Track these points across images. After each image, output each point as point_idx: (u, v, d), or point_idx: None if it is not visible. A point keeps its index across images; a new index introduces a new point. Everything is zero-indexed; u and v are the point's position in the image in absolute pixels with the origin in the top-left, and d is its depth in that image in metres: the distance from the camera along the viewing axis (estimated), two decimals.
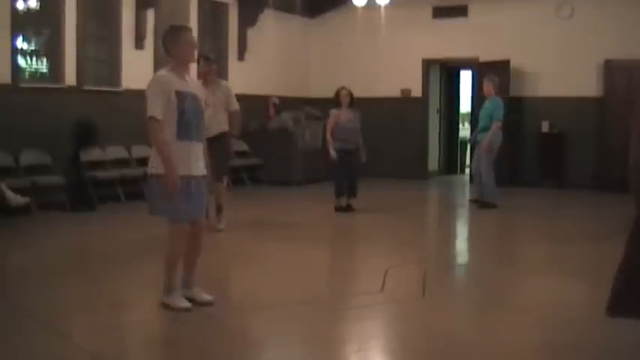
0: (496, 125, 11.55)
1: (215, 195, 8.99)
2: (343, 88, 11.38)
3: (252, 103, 13.87)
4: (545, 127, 14.98)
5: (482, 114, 11.89)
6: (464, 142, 18.42)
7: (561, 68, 14.66)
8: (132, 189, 11.68)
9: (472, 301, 6.41)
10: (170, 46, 5.55)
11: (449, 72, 18.07)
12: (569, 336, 5.15)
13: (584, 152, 14.64)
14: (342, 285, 6.73)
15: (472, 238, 10.27)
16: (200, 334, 5.04)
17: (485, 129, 11.69)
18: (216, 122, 8.94)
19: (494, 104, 11.74)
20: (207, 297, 5.70)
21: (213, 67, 9.33)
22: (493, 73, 13.17)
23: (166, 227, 5.56)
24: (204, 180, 5.68)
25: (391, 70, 16.21)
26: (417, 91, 16.37)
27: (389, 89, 16.30)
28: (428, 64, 16.41)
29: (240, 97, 14.13)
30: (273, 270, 7.48)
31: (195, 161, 5.54)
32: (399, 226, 10.40)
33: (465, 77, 18.33)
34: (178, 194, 5.31)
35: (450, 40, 15.67)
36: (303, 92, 16.73)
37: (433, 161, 17.51)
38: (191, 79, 5.78)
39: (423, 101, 16.48)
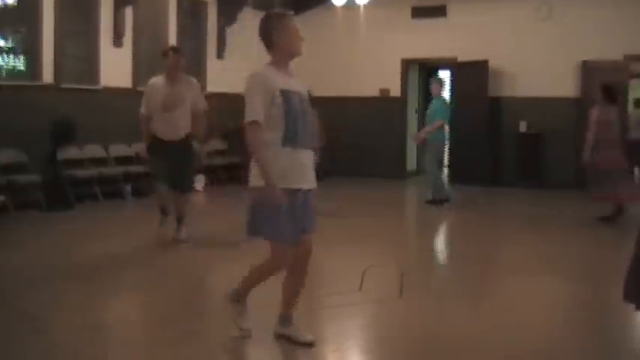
0: (438, 124, 11.86)
1: (178, 205, 8.51)
2: None
3: (231, 102, 13.78)
4: (523, 127, 15.07)
5: (429, 113, 12.27)
6: None
7: (539, 69, 14.74)
8: (110, 188, 11.64)
9: (449, 300, 6.43)
10: (274, 35, 4.70)
11: (428, 72, 18.11)
12: (548, 338, 5.20)
13: (562, 152, 14.73)
14: (320, 285, 6.72)
15: (449, 238, 10.33)
16: (183, 338, 5.03)
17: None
18: (184, 124, 8.27)
19: (439, 104, 12.11)
20: (308, 337, 4.91)
21: (182, 62, 8.42)
22: (474, 72, 13.26)
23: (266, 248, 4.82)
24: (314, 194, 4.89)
25: (370, 69, 16.24)
26: (395, 91, 16.41)
27: (368, 89, 16.34)
28: (407, 64, 16.45)
29: (220, 96, 14.23)
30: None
31: (304, 172, 4.74)
32: (377, 227, 10.40)
33: (444, 77, 18.34)
34: (282, 211, 4.55)
35: (428, 40, 15.72)
36: None
37: (411, 161, 17.55)
38: (294, 75, 4.89)
39: (401, 101, 16.51)
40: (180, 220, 8.50)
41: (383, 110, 16.30)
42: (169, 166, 8.18)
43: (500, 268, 7.94)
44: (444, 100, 12.40)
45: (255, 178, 4.62)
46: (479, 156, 15.23)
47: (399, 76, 16.32)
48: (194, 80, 8.66)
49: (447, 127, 12.64)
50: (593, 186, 10.42)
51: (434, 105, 12.20)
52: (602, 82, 10.99)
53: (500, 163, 15.32)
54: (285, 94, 4.61)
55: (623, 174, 10.38)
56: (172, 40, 13.48)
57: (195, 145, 8.48)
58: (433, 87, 12.33)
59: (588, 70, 14.38)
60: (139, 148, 8.82)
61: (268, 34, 4.72)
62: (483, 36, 15.18)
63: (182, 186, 8.42)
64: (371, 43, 16.25)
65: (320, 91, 16.47)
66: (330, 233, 9.75)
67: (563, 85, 14.69)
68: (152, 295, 6.28)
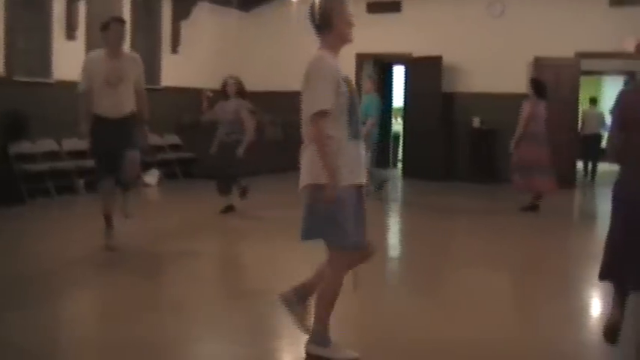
0: (370, 122, 11.88)
1: (122, 203, 7.92)
2: (231, 77, 10.76)
3: (185, 97, 13.81)
4: (476, 122, 15.24)
5: (361, 110, 12.19)
6: (397, 137, 18.61)
7: (492, 65, 14.91)
8: (63, 183, 11.52)
9: (404, 294, 6.51)
10: (335, 18, 4.40)
11: (382, 67, 18.19)
12: (499, 330, 5.29)
13: None
14: (276, 280, 6.73)
15: (403, 232, 10.40)
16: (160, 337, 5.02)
17: (363, 124, 11.97)
18: (128, 101, 7.58)
19: (369, 100, 12.18)
20: (352, 353, 4.50)
21: (123, 33, 7.70)
22: (428, 68, 13.30)
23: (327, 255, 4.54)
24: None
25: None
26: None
27: None
28: (361, 59, 16.50)
29: (174, 91, 14.17)
30: (206, 266, 7.50)
31: (362, 166, 4.47)
32: None
33: (398, 72, 18.47)
34: (350, 211, 4.30)
35: (383, 35, 15.78)
36: None
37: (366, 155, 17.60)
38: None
39: (356, 96, 16.53)
40: (110, 223, 7.71)
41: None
42: (112, 149, 7.44)
43: (452, 261, 8.06)
44: (375, 97, 12.42)
45: (309, 176, 4.31)
46: (432, 151, 15.36)
47: (353, 71, 16.34)
48: (137, 56, 7.94)
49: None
50: (516, 175, 10.94)
51: (366, 101, 12.15)
52: (532, 77, 11.42)
53: (454, 159, 15.48)
54: (347, 82, 4.42)
55: (546, 167, 10.87)
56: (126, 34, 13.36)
57: (140, 125, 7.81)
58: (365, 83, 12.40)
59: (540, 66, 14.58)
60: (79, 128, 7.72)
61: (328, 16, 4.40)
62: (437, 32, 15.31)
63: (124, 173, 7.56)
64: None
65: (275, 86, 16.56)
66: (282, 228, 9.77)
67: (516, 81, 14.85)
68: (102, 294, 6.26)
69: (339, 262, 4.42)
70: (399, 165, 17.47)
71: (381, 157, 18.60)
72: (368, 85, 12.33)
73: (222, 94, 10.46)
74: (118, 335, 4.97)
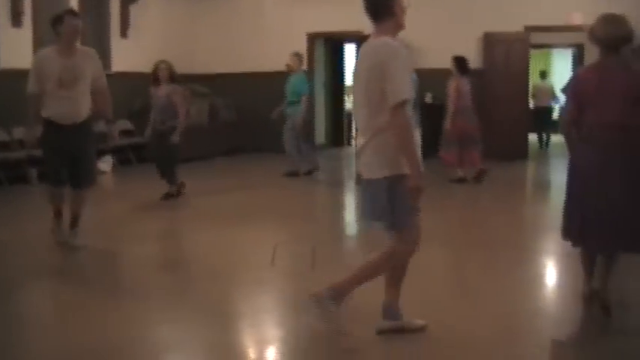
0: (305, 99, 12.25)
1: (74, 204, 7.12)
2: (162, 61, 10.41)
3: (136, 81, 13.65)
4: (428, 98, 15.32)
5: (288, 89, 12.53)
6: (349, 115, 18.65)
7: (443, 41, 14.96)
8: (14, 172, 11.36)
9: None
10: (395, 6, 4.38)
11: (333, 46, 18.18)
12: (453, 306, 5.36)
13: None
14: (233, 261, 6.74)
15: (358, 210, 10.44)
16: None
17: (292, 103, 12.39)
18: (85, 104, 6.87)
19: (297, 79, 12.46)
20: (419, 322, 4.75)
21: (80, 28, 6.87)
22: None
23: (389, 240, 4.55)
24: None
25: (276, 44, 16.14)
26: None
27: (275, 64, 16.24)
28: (313, 38, 16.47)
29: (124, 75, 14.00)
30: (161, 250, 7.49)
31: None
32: (286, 202, 10.46)
33: (350, 51, 18.48)
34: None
35: (334, 14, 15.75)
36: (189, 69, 16.51)
37: (320, 134, 17.64)
38: None
39: (308, 75, 16.52)
40: (74, 223, 7.17)
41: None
42: (67, 158, 6.82)
43: None
44: (302, 75, 12.71)
45: (389, 168, 4.28)
46: None
47: (305, 51, 16.31)
48: (93, 51, 7.08)
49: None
50: (444, 149, 11.49)
51: (293, 81, 12.43)
52: (454, 55, 11.90)
53: None
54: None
55: (473, 140, 11.37)
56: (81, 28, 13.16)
57: (105, 125, 7.39)
58: (294, 62, 12.58)
59: (490, 41, 14.71)
60: (27, 135, 7.21)
61: (389, 3, 4.38)
62: None
63: (79, 181, 6.96)
64: (277, 19, 16.23)
65: (226, 68, 16.48)
66: (239, 209, 9.78)
67: (466, 56, 14.96)
68: (57, 284, 6.22)
69: (413, 242, 4.50)
70: (353, 143, 17.47)
71: (335, 136, 18.72)
72: (296, 63, 12.52)
73: (153, 79, 10.19)
74: (76, 323, 4.95)
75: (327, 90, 18.21)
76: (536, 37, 15.56)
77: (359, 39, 15.93)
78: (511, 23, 14.53)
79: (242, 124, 16.23)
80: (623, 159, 4.76)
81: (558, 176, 10.93)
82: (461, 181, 11.40)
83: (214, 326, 4.87)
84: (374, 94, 4.24)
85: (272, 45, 16.21)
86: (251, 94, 16.08)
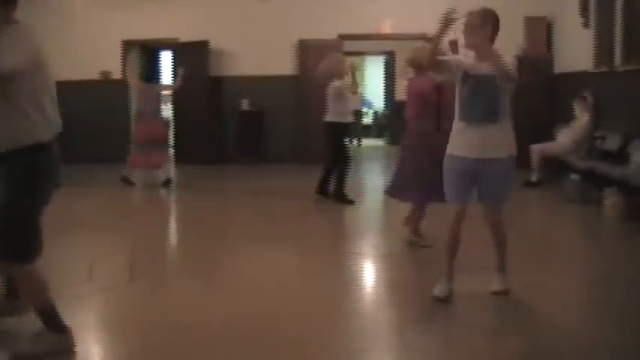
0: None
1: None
2: None
3: None
4: (244, 104, 15.41)
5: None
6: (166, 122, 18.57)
7: (259, 48, 15.15)
8: None
9: (183, 279, 6.52)
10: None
11: (149, 53, 17.91)
12: (285, 305, 5.42)
13: (282, 128, 15.33)
14: (50, 278, 6.50)
15: (179, 218, 10.36)
16: None
17: None
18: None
19: None
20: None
21: None
22: (195, 53, 13.23)
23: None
24: None
25: (90, 52, 15.70)
26: (117, 73, 16.00)
27: (88, 72, 15.83)
28: (127, 46, 16.13)
29: None
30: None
31: None
32: (104, 214, 10.20)
33: (166, 58, 18.27)
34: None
35: (149, 21, 15.52)
36: None
37: None
38: None
39: (123, 83, 16.16)
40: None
41: (105, 93, 15.87)
42: None
43: (229, 242, 8.09)
44: None
45: (513, 148, 5.28)
46: (201, 135, 15.39)
47: (119, 58, 15.96)
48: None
49: None
50: (135, 153, 11.97)
51: None
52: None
53: (223, 141, 15.58)
54: None
55: (162, 143, 12.19)
56: None
57: None
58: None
59: (304, 48, 15.00)
60: None
61: (495, 29, 5.11)
62: (204, 17, 15.28)
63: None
64: (90, 25, 15.73)
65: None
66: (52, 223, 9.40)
67: (282, 63, 15.22)
68: None
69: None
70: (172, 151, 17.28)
71: None
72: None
73: None
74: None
75: None
76: (351, 45, 15.98)
77: (174, 46, 15.83)
78: (325, 31, 14.92)
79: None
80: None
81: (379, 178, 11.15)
82: (126, 181, 12.09)
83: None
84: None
85: (85, 53, 15.67)
86: (62, 105, 15.53)
